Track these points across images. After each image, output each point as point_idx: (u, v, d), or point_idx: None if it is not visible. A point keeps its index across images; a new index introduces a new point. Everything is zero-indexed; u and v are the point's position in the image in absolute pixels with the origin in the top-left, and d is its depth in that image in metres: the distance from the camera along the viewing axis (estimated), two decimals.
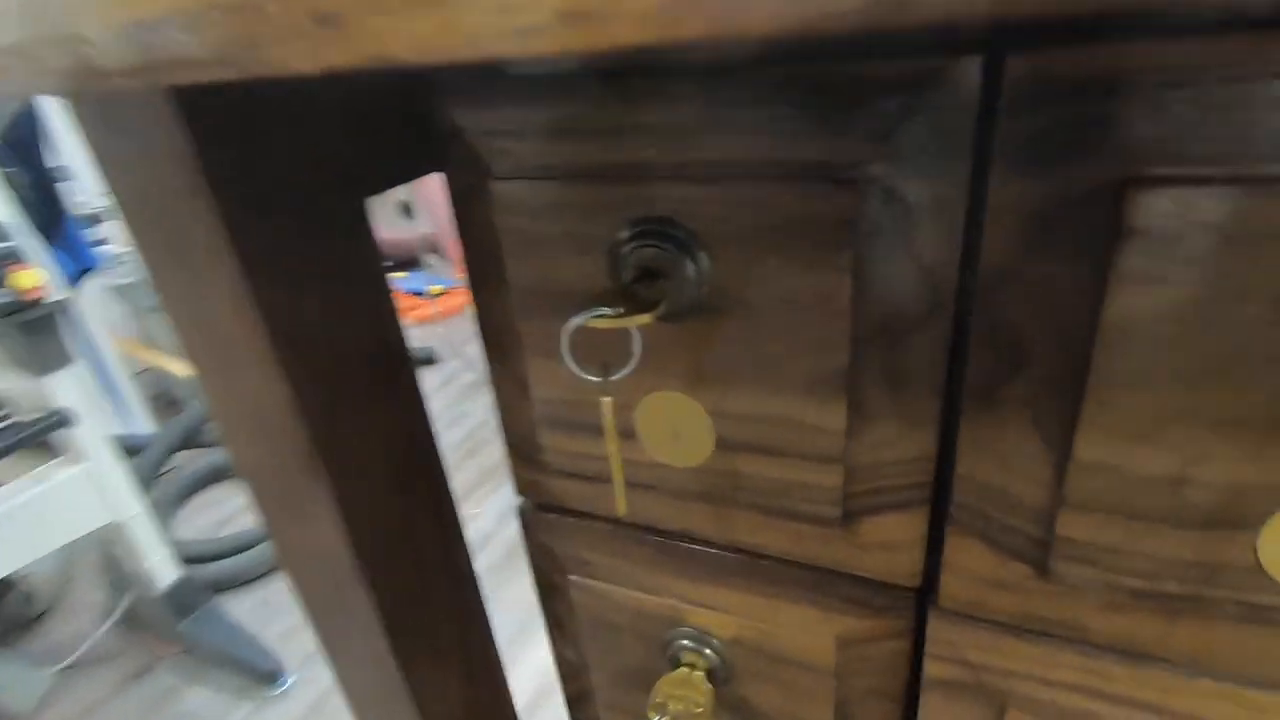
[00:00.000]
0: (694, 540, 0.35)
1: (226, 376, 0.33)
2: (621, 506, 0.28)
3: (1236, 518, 0.22)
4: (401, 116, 0.34)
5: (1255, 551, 0.22)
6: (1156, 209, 0.19)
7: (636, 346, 0.25)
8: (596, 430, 0.33)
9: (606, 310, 0.24)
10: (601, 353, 0.29)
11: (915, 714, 0.34)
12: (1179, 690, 0.27)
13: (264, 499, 0.38)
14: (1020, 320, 0.22)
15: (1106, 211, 0.20)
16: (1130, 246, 0.20)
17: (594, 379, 0.26)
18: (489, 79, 0.28)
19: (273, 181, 0.30)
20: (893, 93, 0.22)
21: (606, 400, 0.25)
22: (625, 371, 0.26)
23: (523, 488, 0.39)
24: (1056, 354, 0.22)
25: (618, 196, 0.27)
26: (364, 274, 0.35)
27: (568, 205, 0.28)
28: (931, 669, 0.31)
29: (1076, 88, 0.19)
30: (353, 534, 0.36)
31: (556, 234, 0.29)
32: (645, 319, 0.24)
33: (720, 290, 0.27)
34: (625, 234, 0.27)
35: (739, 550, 0.34)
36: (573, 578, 0.40)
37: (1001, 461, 0.25)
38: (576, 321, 0.24)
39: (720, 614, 0.36)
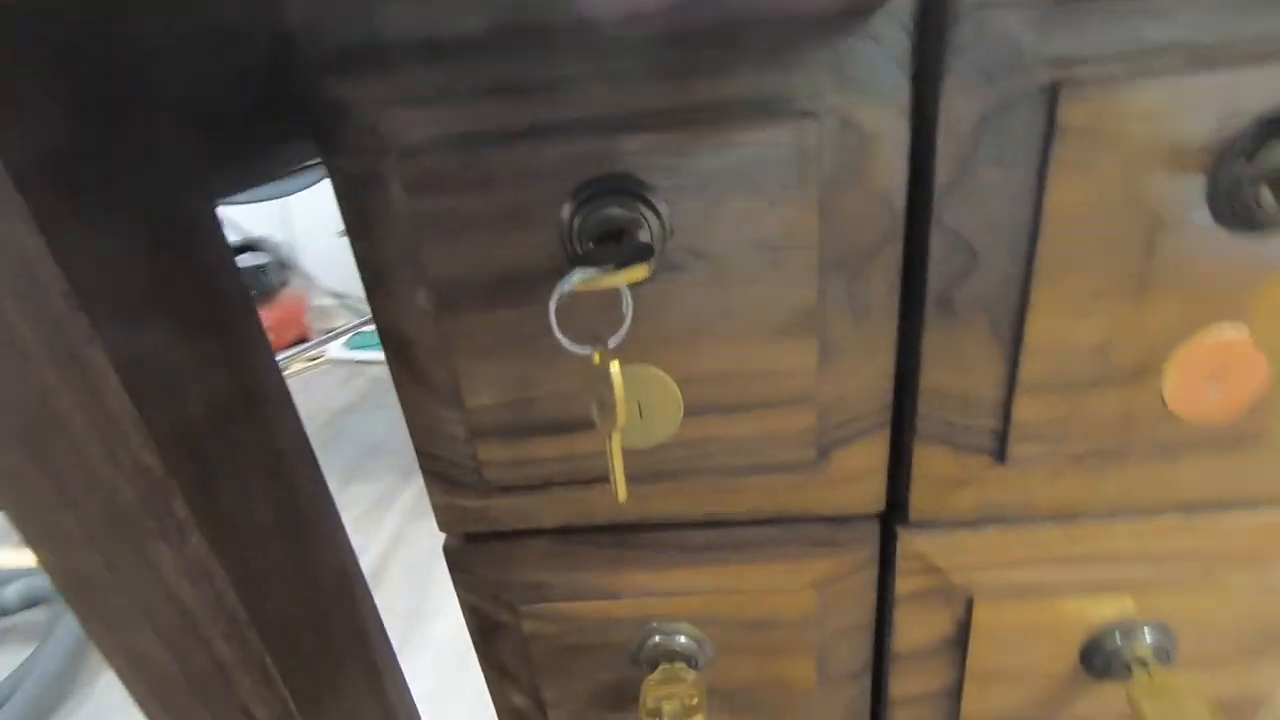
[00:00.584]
0: (657, 526, 0.34)
1: (47, 454, 0.24)
2: (622, 492, 0.26)
3: (1146, 367, 0.26)
4: (262, 98, 0.28)
5: (1161, 393, 0.27)
6: (1083, 107, 0.22)
7: (628, 307, 0.24)
8: (548, 428, 0.30)
9: (593, 271, 0.22)
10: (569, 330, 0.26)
11: (888, 636, 0.35)
12: (1103, 536, 0.31)
13: (104, 606, 0.28)
14: (971, 227, 0.25)
15: (1042, 114, 0.22)
16: (1065, 142, 0.23)
17: (588, 350, 0.23)
18: (379, 39, 0.24)
19: (97, 176, 0.23)
20: (845, 20, 0.23)
21: (614, 365, 0.23)
22: (621, 333, 0.24)
23: (448, 522, 0.34)
24: (1006, 252, 0.25)
25: (559, 157, 0.25)
26: (225, 296, 0.28)
27: (499, 174, 0.25)
28: (902, 585, 0.33)
29: (1008, 5, 0.21)
30: (254, 624, 0.29)
31: (488, 210, 0.26)
32: (641, 270, 0.22)
33: (683, 245, 0.26)
34: (574, 198, 0.25)
35: (706, 524, 0.33)
36: (524, 609, 0.35)
37: (960, 366, 0.27)
38: (568, 285, 0.22)
39: (692, 597, 0.35)
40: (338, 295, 2.85)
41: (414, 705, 0.43)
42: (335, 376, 2.81)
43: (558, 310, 0.23)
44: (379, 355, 2.84)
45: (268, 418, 0.30)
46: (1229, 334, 0.26)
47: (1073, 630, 0.33)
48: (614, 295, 0.26)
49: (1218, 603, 0.32)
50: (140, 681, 0.30)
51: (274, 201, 2.42)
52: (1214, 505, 0.30)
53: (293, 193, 2.29)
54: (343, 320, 2.89)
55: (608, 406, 0.23)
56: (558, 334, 0.23)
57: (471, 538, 0.35)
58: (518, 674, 0.38)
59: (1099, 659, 0.33)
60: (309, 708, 0.32)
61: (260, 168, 0.29)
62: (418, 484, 2.16)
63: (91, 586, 0.27)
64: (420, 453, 0.32)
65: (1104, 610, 0.32)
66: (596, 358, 0.23)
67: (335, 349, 2.76)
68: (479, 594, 0.36)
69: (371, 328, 2.89)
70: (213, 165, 0.26)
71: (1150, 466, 0.29)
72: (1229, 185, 0.23)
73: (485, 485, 0.32)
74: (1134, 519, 0.31)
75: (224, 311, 0.28)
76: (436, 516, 0.34)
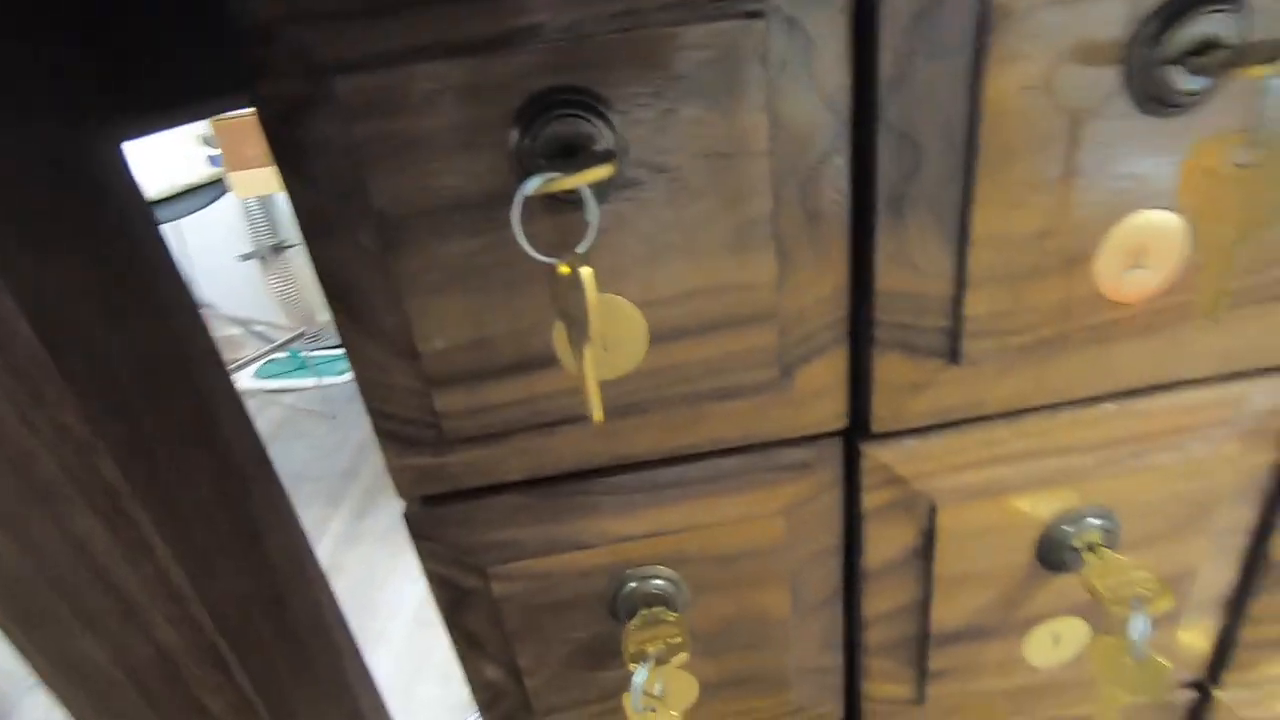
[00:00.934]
0: (625, 467, 0.33)
1: None
2: (598, 411, 0.25)
3: (1080, 254, 0.28)
4: (171, 28, 0.25)
5: (1093, 279, 0.28)
6: None
7: (593, 212, 0.23)
8: (508, 369, 0.29)
9: (555, 173, 0.21)
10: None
11: (857, 556, 0.36)
12: (1047, 429, 0.33)
13: (23, 598, 0.25)
14: (915, 124, 0.26)
15: (975, 2, 0.24)
16: (996, 30, 0.24)
17: (555, 260, 0.22)
18: None
19: None
20: None
21: (586, 270, 0.22)
22: (589, 238, 0.23)
23: (407, 485, 0.32)
24: (948, 147, 0.26)
25: (507, 70, 0.24)
26: (140, 241, 0.26)
27: (443, 92, 0.24)
28: (869, 500, 0.34)
29: None
30: (204, 605, 0.26)
31: (433, 132, 0.25)
32: (603, 170, 0.21)
33: (639, 160, 0.26)
34: (525, 114, 0.24)
35: (674, 459, 0.33)
36: (493, 570, 0.34)
37: (913, 266, 0.28)
38: (530, 187, 0.21)
39: (664, 538, 0.34)
40: (243, 323, 2.69)
41: (379, 695, 0.41)
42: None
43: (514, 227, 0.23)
44: (292, 383, 2.69)
45: (200, 379, 0.28)
46: (1150, 217, 0.27)
47: (1027, 526, 0.35)
48: (571, 218, 0.26)
49: (1150, 483, 0.34)
50: (70, 686, 0.27)
51: (166, 225, 2.27)
52: (1143, 389, 0.32)
53: (186, 215, 2.15)
54: (250, 349, 2.73)
55: (579, 320, 0.23)
56: (523, 242, 0.22)
57: (432, 501, 0.33)
58: (490, 644, 0.37)
59: (1052, 552, 0.35)
60: (271, 698, 0.30)
61: (189, 99, 0.26)
62: (346, 510, 2.07)
63: (6, 575, 0.24)
64: (373, 412, 0.31)
65: (1053, 502, 0.34)
66: (564, 268, 0.22)
67: (245, 379, 2.62)
68: (444, 561, 0.34)
69: (283, 355, 2.75)
70: (113, 97, 0.24)
71: (1087, 354, 0.31)
72: (1142, 70, 0.25)
73: (444, 439, 0.31)
74: (1074, 410, 0.33)
75: (140, 257, 0.25)
76: (394, 481, 0.32)
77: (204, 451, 0.28)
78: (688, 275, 0.28)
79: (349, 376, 2.70)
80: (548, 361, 0.29)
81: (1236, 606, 0.39)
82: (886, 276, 0.28)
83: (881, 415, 0.32)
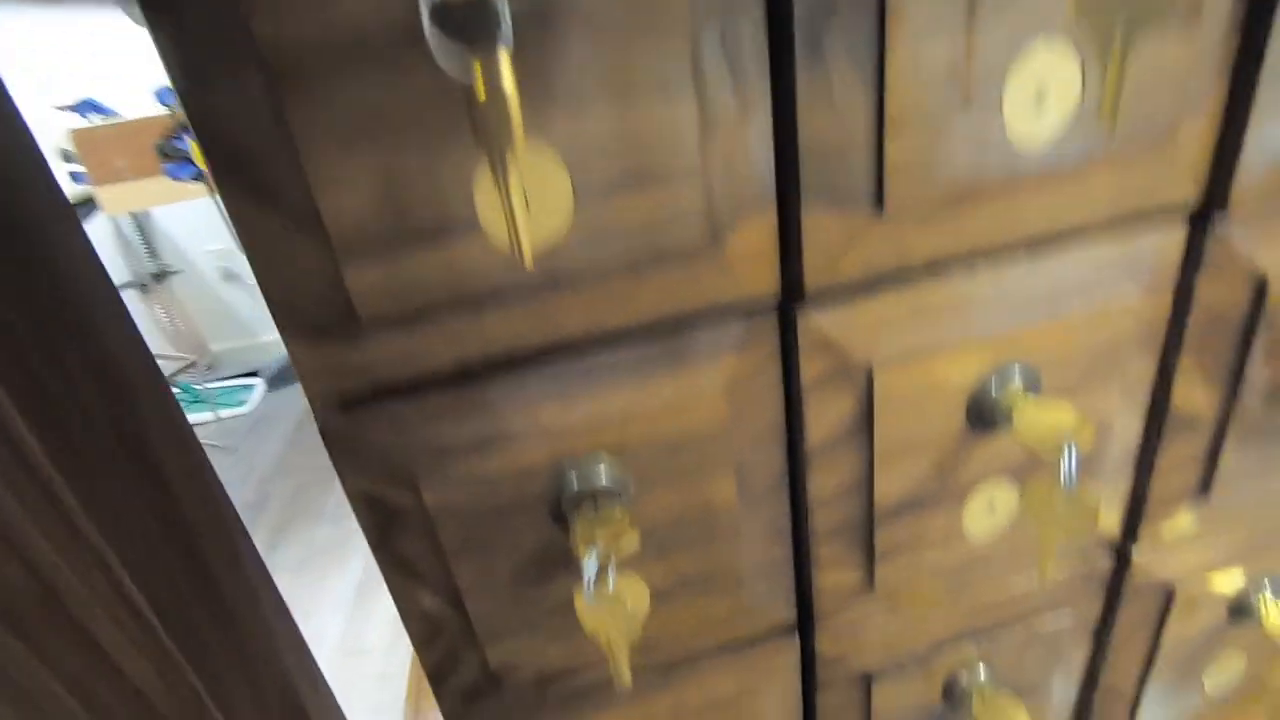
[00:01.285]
0: (559, 350, 0.32)
1: None
2: (528, 254, 0.23)
3: (988, 95, 0.29)
4: None
5: (1001, 119, 0.29)
6: None
7: (504, 9, 0.21)
8: (426, 235, 0.27)
9: None
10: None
11: (801, 435, 0.36)
12: (969, 284, 0.34)
13: None
14: None
15: None
16: None
17: (467, 59, 0.21)
18: None
19: None
20: None
21: (504, 59, 0.20)
22: (505, 33, 0.21)
23: (323, 385, 0.30)
24: None
25: None
26: (20, 166, 0.22)
27: None
28: (807, 370, 0.34)
29: None
30: (90, 518, 0.23)
31: None
32: None
33: None
34: None
35: (609, 339, 0.32)
36: (425, 481, 0.32)
37: (834, 113, 0.28)
38: None
39: (605, 430, 0.33)
40: None
41: (318, 671, 0.37)
42: None
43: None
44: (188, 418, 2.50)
45: (103, 333, 0.24)
46: (1049, 52, 0.29)
47: (957, 387, 0.36)
48: None
49: (1063, 337, 0.36)
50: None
51: None
52: (1051, 240, 0.34)
53: None
54: None
55: (500, 132, 0.21)
56: (432, 40, 0.21)
57: (353, 406, 0.30)
58: (425, 568, 0.34)
59: (982, 410, 0.36)
60: (185, 639, 0.26)
61: None
62: (256, 545, 1.93)
63: None
64: (276, 305, 0.28)
65: (980, 360, 0.35)
66: (479, 72, 0.21)
67: None
68: (370, 475, 0.32)
69: (173, 390, 2.54)
70: None
71: (999, 204, 0.32)
72: None
73: (359, 323, 0.28)
74: (991, 265, 0.34)
75: (27, 184, 0.22)
76: (307, 388, 0.30)
77: (109, 408, 0.24)
78: (608, 124, 0.27)
79: (248, 408, 2.53)
80: (470, 226, 0.27)
81: (1145, 460, 0.42)
82: (809, 124, 0.28)
83: (813, 274, 0.32)
